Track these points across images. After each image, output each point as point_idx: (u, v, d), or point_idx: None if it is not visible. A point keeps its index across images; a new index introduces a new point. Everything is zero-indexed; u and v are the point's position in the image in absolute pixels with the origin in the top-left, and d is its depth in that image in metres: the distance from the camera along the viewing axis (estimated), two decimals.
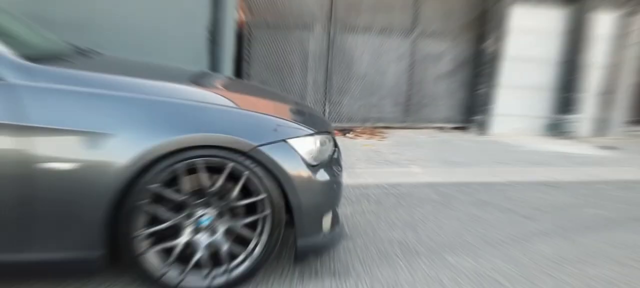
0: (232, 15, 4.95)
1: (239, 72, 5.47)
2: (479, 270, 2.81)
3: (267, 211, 2.34)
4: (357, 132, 6.11)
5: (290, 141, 2.36)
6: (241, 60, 5.53)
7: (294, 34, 5.85)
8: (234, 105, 2.45)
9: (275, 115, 2.51)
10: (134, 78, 2.41)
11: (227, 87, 3.05)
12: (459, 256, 2.98)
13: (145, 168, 2.14)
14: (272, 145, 2.30)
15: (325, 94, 6.14)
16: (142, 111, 2.16)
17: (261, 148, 2.26)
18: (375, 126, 6.42)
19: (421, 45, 6.48)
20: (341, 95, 6.22)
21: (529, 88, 6.88)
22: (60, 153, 2.03)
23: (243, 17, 5.61)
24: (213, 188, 2.27)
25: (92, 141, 2.06)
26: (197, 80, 3.02)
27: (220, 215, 2.34)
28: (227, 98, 2.53)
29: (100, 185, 2.07)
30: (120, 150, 2.08)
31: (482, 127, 6.76)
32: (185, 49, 4.87)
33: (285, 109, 2.75)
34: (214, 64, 5.06)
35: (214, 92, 2.67)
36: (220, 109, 2.37)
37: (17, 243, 2.06)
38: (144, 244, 2.24)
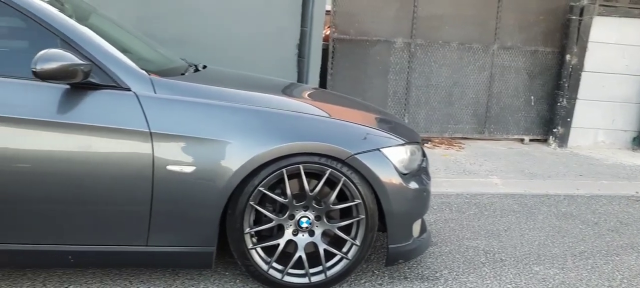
0: (320, 31, 5.18)
1: (323, 84, 5.69)
2: (567, 282, 2.83)
3: (362, 216, 2.50)
4: (435, 142, 6.17)
5: (384, 150, 2.51)
6: (326, 73, 5.76)
7: (375, 48, 6.02)
8: (329, 115, 2.64)
9: (367, 124, 2.68)
10: (242, 90, 2.67)
11: (320, 97, 3.26)
12: (546, 267, 3.01)
13: (254, 172, 2.36)
14: (368, 153, 2.46)
15: (405, 105, 6.25)
16: (252, 120, 2.39)
17: (357, 156, 2.43)
18: (453, 137, 6.44)
19: (501, 58, 6.45)
20: (420, 106, 6.31)
21: (612, 101, 6.66)
22: (180, 157, 2.29)
23: (328, 32, 5.84)
24: (312, 193, 2.46)
25: (209, 147, 2.30)
26: (293, 91, 3.25)
27: (318, 217, 2.53)
28: (321, 108, 2.73)
29: (216, 186, 2.31)
30: (233, 156, 2.32)
31: (562, 139, 6.61)
32: (275, 62, 5.15)
33: (374, 118, 2.91)
34: (301, 77, 5.31)
35: (310, 103, 2.87)
36: (318, 119, 2.57)
37: (141, 236, 2.34)
38: (252, 241, 2.46)
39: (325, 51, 5.65)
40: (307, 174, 2.44)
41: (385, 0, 5.95)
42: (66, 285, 2.45)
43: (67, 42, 2.24)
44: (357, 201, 2.48)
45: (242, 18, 5.11)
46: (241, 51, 5.08)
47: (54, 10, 2.34)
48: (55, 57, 2.09)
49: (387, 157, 2.51)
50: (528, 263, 3.04)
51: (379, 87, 6.14)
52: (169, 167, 2.28)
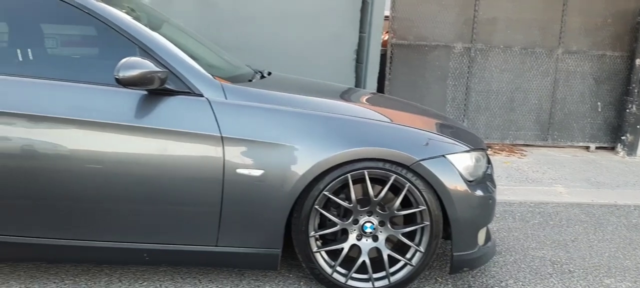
0: (378, 36, 5.20)
1: (381, 89, 5.70)
2: None
3: (426, 222, 2.49)
4: (496, 149, 6.04)
5: (449, 157, 2.50)
6: (383, 78, 5.76)
7: (433, 53, 5.96)
8: (391, 121, 2.64)
9: (430, 130, 2.67)
10: (307, 96, 2.72)
11: (380, 102, 3.28)
12: (617, 280, 2.90)
13: (319, 177, 2.40)
14: (433, 160, 2.46)
15: (464, 110, 6.16)
16: (318, 126, 2.44)
17: (423, 162, 2.43)
18: (514, 144, 6.28)
19: (565, 62, 6.24)
20: (479, 112, 6.19)
21: None
22: (249, 161, 2.36)
23: (386, 37, 5.84)
24: (377, 198, 2.48)
25: (276, 151, 2.36)
26: (354, 96, 3.28)
27: (381, 223, 2.54)
28: (383, 113, 2.74)
29: (282, 190, 2.37)
30: (300, 160, 2.37)
31: (631, 147, 6.30)
32: (332, 67, 5.21)
33: (436, 123, 2.89)
34: (358, 82, 5.34)
35: (372, 108, 2.89)
36: (382, 124, 2.59)
37: (211, 237, 2.43)
38: (317, 244, 2.50)
39: (383, 56, 5.65)
40: (372, 180, 2.46)
41: (444, 5, 5.89)
42: (140, 282, 2.57)
43: (146, 51, 2.37)
44: (422, 207, 2.48)
45: (300, 24, 5.19)
46: (299, 57, 5.16)
47: (133, 21, 2.47)
48: (136, 65, 2.20)
49: (452, 164, 2.49)
50: (598, 276, 2.94)
51: (438, 92, 6.07)
52: (239, 171, 2.35)
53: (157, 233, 2.39)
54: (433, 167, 2.44)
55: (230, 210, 2.38)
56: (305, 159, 2.37)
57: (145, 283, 2.56)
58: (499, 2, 5.99)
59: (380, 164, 2.43)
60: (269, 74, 3.22)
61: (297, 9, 5.15)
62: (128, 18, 2.47)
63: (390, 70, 5.88)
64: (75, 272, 2.61)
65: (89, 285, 2.50)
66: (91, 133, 2.28)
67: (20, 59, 2.61)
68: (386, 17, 5.59)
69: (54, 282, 2.51)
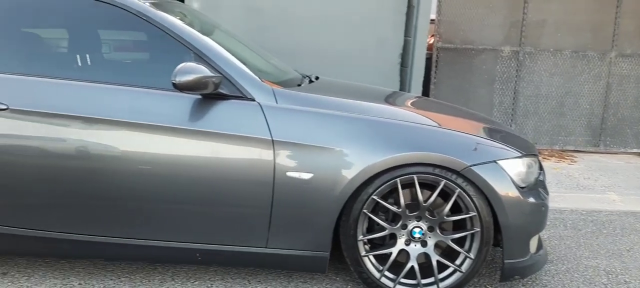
0: (423, 40, 5.17)
1: (426, 93, 5.66)
2: None
3: (477, 229, 2.46)
4: (545, 154, 5.89)
5: (501, 162, 2.46)
6: (428, 82, 5.71)
7: (480, 56, 5.88)
8: (439, 125, 2.62)
9: (480, 135, 2.63)
10: (356, 100, 2.73)
11: (427, 106, 3.25)
12: None
13: (368, 181, 2.41)
14: (484, 165, 2.43)
15: (512, 115, 6.04)
16: (367, 130, 2.45)
17: (474, 168, 2.40)
18: (563, 149, 6.11)
19: (619, 66, 6.03)
20: (528, 117, 6.05)
21: None
22: (299, 164, 2.39)
23: (432, 41, 5.80)
24: (426, 203, 2.46)
25: (326, 155, 2.39)
26: (401, 100, 3.26)
27: (430, 228, 2.53)
28: (431, 118, 2.72)
29: (332, 193, 2.39)
30: (349, 165, 2.38)
31: None
32: (377, 71, 5.21)
33: (484, 128, 2.84)
34: (403, 86, 5.32)
35: (420, 113, 2.87)
36: (432, 129, 2.57)
37: (261, 238, 2.47)
38: (365, 249, 2.51)
39: (428, 60, 5.61)
40: (421, 184, 2.45)
41: (492, 7, 5.80)
42: (192, 281, 2.64)
43: (200, 56, 2.44)
44: (472, 214, 2.45)
45: (345, 29, 5.22)
46: (344, 61, 5.19)
47: (189, 28, 2.55)
48: (192, 70, 2.27)
49: (504, 170, 2.45)
50: None
51: (484, 96, 5.98)
52: (289, 174, 2.39)
53: (209, 234, 2.45)
54: (484, 173, 2.41)
55: (280, 212, 2.42)
56: (354, 163, 2.38)
57: (196, 282, 2.63)
58: (549, 4, 5.85)
59: (430, 169, 2.42)
60: (317, 78, 3.25)
61: (342, 14, 5.18)
62: (184, 25, 2.55)
63: (435, 74, 5.83)
64: (130, 270, 2.70)
65: (143, 283, 2.58)
66: (148, 135, 2.36)
67: (80, 64, 2.73)
68: (432, 20, 5.54)
69: (111, 279, 2.61)
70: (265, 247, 2.48)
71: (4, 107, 2.30)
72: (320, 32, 5.16)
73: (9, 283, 2.50)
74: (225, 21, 4.56)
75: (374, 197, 2.42)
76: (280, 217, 2.43)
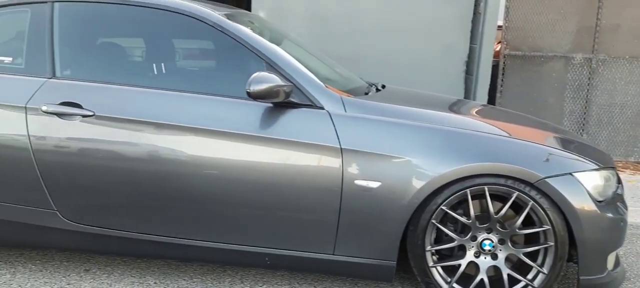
0: (490, 47, 5.06)
1: (492, 101, 5.53)
2: None
3: (550, 243, 2.39)
4: (619, 166, 5.61)
5: (577, 175, 2.38)
6: (494, 90, 5.59)
7: (549, 64, 5.69)
8: (509, 135, 2.56)
9: (553, 146, 2.55)
10: (424, 108, 2.71)
11: (496, 116, 3.18)
12: None
13: (437, 191, 2.39)
14: (559, 177, 2.35)
15: (583, 124, 5.80)
16: (437, 139, 2.43)
17: (548, 180, 2.33)
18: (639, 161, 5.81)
19: None
20: (601, 126, 5.79)
21: None
22: (367, 173, 2.40)
23: (498, 48, 5.67)
24: (497, 215, 2.41)
25: (394, 164, 2.39)
26: (468, 109, 3.21)
27: (501, 241, 2.47)
28: (500, 127, 2.65)
29: (400, 202, 2.39)
30: (417, 174, 2.37)
31: None
32: (441, 79, 5.15)
33: (556, 138, 2.76)
34: (468, 94, 5.23)
35: (489, 122, 2.80)
36: (503, 139, 2.51)
37: (328, 245, 2.49)
38: (433, 259, 2.49)
39: (494, 68, 5.48)
40: (492, 196, 2.41)
41: (563, 13, 5.59)
42: (260, 284, 2.70)
43: (272, 66, 2.50)
44: (546, 227, 2.38)
45: (409, 36, 5.19)
46: (408, 68, 5.16)
47: (261, 38, 2.63)
48: (265, 80, 2.34)
49: (580, 183, 2.37)
50: None
51: (554, 105, 5.77)
52: (357, 182, 2.40)
53: (278, 239, 2.51)
54: (559, 185, 2.34)
55: (347, 220, 2.44)
56: (423, 173, 2.37)
57: (264, 286, 2.69)
58: (624, 9, 5.58)
59: (502, 180, 2.37)
60: (383, 86, 3.25)
61: (407, 22, 5.16)
62: (256, 35, 2.63)
63: (502, 82, 5.68)
64: (202, 271, 2.80)
65: (214, 284, 2.67)
66: (222, 142, 2.44)
67: (159, 73, 2.87)
68: (499, 27, 5.42)
69: (184, 280, 2.71)
70: (332, 254, 2.50)
71: (90, 113, 2.45)
72: (384, 40, 5.16)
73: (91, 280, 2.66)
74: (290, 29, 4.66)
75: (443, 208, 2.40)
76: (347, 225, 2.45)
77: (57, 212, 2.53)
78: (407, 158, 2.38)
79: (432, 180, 2.36)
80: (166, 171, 2.46)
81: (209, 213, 2.50)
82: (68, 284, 2.60)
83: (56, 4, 2.61)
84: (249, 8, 5.13)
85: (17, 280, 2.60)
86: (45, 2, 2.61)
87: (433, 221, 2.42)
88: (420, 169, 2.37)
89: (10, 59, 2.59)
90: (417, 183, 2.37)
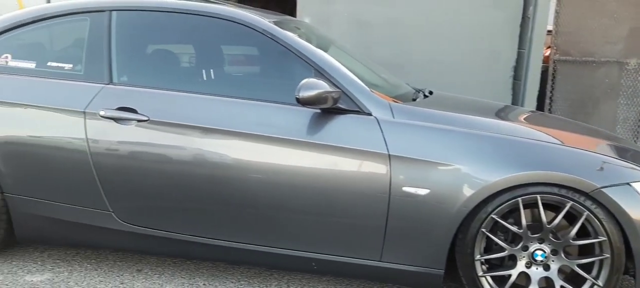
0: (539, 52, 4.95)
1: (540, 107, 5.40)
2: None
3: (606, 254, 2.32)
4: None
5: (635, 185, 2.30)
6: (543, 96, 5.45)
7: (601, 70, 5.50)
8: (562, 142, 2.49)
9: (608, 154, 2.47)
10: (474, 115, 2.68)
11: (546, 122, 3.11)
12: None
13: (487, 199, 2.35)
14: (616, 187, 2.28)
15: (637, 132, 5.58)
16: (487, 146, 2.39)
17: (605, 190, 2.26)
18: None
19: None
20: None
21: None
22: (415, 179, 2.38)
23: (548, 53, 5.53)
24: (550, 225, 2.35)
25: (444, 171, 2.36)
26: (517, 116, 3.14)
27: (554, 251, 2.41)
28: (552, 135, 2.59)
29: (449, 210, 2.36)
30: (467, 181, 2.34)
31: None
32: (487, 84, 5.06)
33: (611, 146, 2.66)
34: (515, 100, 5.12)
35: (540, 129, 2.74)
36: (556, 147, 2.45)
37: (375, 251, 2.49)
38: (482, 269, 2.45)
39: (543, 73, 5.34)
40: (544, 205, 2.35)
41: (616, 17, 5.40)
42: None
43: (320, 72, 2.52)
44: (601, 238, 2.30)
45: (456, 41, 5.13)
46: (454, 73, 5.10)
47: (309, 45, 2.65)
48: (314, 86, 2.36)
49: (638, 192, 2.28)
50: None
51: (606, 112, 5.57)
52: (405, 188, 2.39)
53: (325, 244, 2.52)
54: (616, 196, 2.26)
55: (395, 226, 2.43)
56: (473, 180, 2.34)
57: None
58: None
59: (555, 190, 2.31)
60: (431, 93, 3.23)
61: (453, 26, 5.10)
62: (305, 42, 2.66)
63: (551, 88, 5.53)
64: (249, 274, 2.84)
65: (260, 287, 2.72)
66: (270, 147, 2.47)
67: (209, 79, 2.93)
68: (549, 31, 5.29)
69: (232, 282, 2.76)
70: (379, 261, 2.50)
71: (145, 118, 2.53)
72: (429, 44, 5.12)
73: (143, 280, 2.73)
74: (334, 35, 4.69)
75: (493, 216, 2.36)
76: (395, 232, 2.44)
77: (112, 213, 2.62)
78: (456, 166, 2.35)
79: (482, 188, 2.33)
80: (215, 175, 2.51)
81: (256, 218, 2.54)
82: (121, 283, 2.68)
83: (114, 13, 2.72)
84: (293, 14, 5.19)
85: (74, 278, 2.71)
86: (103, 11, 2.72)
87: (483, 230, 2.39)
88: (470, 177, 2.34)
89: (71, 65, 2.71)
90: (467, 191, 2.34)
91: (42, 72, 2.71)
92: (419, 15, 5.11)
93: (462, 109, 2.98)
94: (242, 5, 3.13)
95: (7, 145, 2.63)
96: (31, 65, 2.74)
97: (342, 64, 2.67)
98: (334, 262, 2.53)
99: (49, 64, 2.73)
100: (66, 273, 2.75)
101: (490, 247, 2.47)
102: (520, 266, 2.43)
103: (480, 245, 2.43)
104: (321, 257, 2.53)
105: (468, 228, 2.40)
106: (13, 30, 2.81)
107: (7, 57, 2.76)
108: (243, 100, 2.57)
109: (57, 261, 2.89)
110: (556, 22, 5.43)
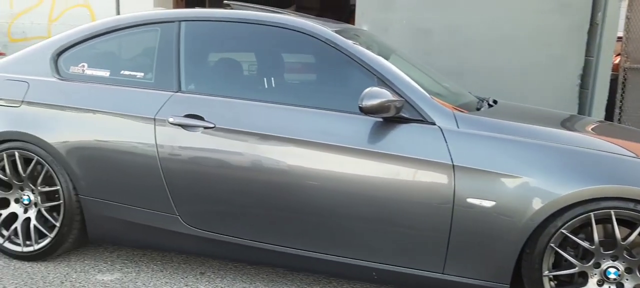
0: (608, 60, 4.74)
1: (609, 117, 5.17)
2: None
3: None
4: None
5: None
6: (613, 106, 5.22)
7: None
8: (636, 155, 2.36)
9: None
10: (542, 126, 2.59)
11: (617, 133, 2.96)
12: None
13: (557, 213, 2.27)
14: None
15: None
16: (557, 158, 2.31)
17: None
18: None
19: None
20: None
21: None
22: (481, 191, 2.33)
23: (617, 60, 5.30)
24: (624, 242, 2.24)
25: (510, 183, 2.30)
26: (586, 126, 3.02)
27: (629, 270, 2.29)
28: (625, 147, 2.46)
29: (515, 224, 2.29)
30: (536, 194, 2.27)
31: None
32: (552, 93, 4.89)
33: None
34: (582, 109, 4.92)
35: (613, 141, 2.62)
36: (630, 160, 2.33)
37: (437, 263, 2.45)
38: (550, 285, 2.36)
39: (612, 82, 5.12)
40: (618, 221, 2.24)
41: None
42: None
43: (383, 81, 2.52)
44: None
45: (519, 48, 5.00)
46: (516, 81, 4.97)
47: (372, 54, 2.65)
48: (377, 95, 2.35)
49: None
50: None
51: None
52: (469, 200, 2.34)
53: (386, 254, 2.50)
54: None
55: (458, 239, 2.38)
56: (542, 193, 2.26)
57: None
58: None
59: (630, 205, 2.20)
60: (495, 102, 3.15)
61: (516, 33, 4.98)
62: (367, 51, 2.66)
63: (621, 97, 5.29)
64: (308, 281, 2.86)
65: None
66: (331, 155, 2.47)
67: (272, 87, 2.99)
68: (619, 38, 5.06)
69: None
70: (442, 273, 2.45)
71: (211, 125, 2.60)
72: (491, 51, 5.01)
73: (207, 282, 2.80)
74: (392, 42, 4.67)
75: (563, 231, 2.28)
76: (458, 244, 2.39)
77: (178, 217, 2.70)
78: (524, 178, 2.29)
79: (551, 202, 2.25)
80: (277, 182, 2.55)
81: (317, 225, 2.55)
82: (186, 285, 2.76)
83: (182, 23, 2.82)
84: (348, 22, 5.21)
85: (141, 279, 2.81)
86: (173, 22, 2.82)
87: (552, 244, 2.30)
88: (538, 189, 2.27)
89: (142, 74, 2.83)
90: (536, 204, 2.26)
91: (115, 80, 2.84)
92: (481, 22, 5.01)
93: (529, 118, 2.89)
94: (300, 13, 3.17)
95: (82, 149, 2.77)
96: (106, 73, 2.87)
97: (404, 72, 2.65)
98: (395, 272, 2.51)
99: (122, 72, 2.86)
100: (134, 274, 2.86)
101: (559, 263, 2.38)
102: (592, 284, 2.33)
103: (548, 261, 2.34)
104: (382, 267, 2.52)
105: (536, 242, 2.32)
106: (89, 41, 2.97)
107: (83, 66, 2.91)
108: (305, 109, 2.60)
109: (126, 261, 3.01)
110: (627, 29, 5.21)
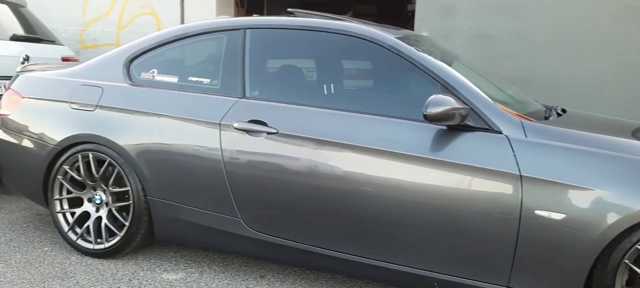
0: None
1: None
2: None
3: None
4: None
5: None
6: None
7: None
8: None
9: None
10: (616, 136, 2.48)
11: None
12: None
13: (632, 228, 2.16)
14: None
15: None
16: (632, 170, 2.20)
17: None
18: None
19: None
20: None
21: None
22: (550, 203, 2.25)
23: None
24: None
25: (582, 196, 2.21)
26: None
27: None
28: None
29: (587, 238, 2.20)
30: (609, 208, 2.17)
31: None
32: (623, 102, 4.67)
33: None
34: None
35: None
36: None
37: (503, 276, 2.38)
38: None
39: None
40: None
41: None
42: None
43: (448, 88, 2.48)
44: None
45: (587, 55, 4.81)
46: (583, 89, 4.79)
47: (435, 60, 2.62)
48: (442, 102, 2.32)
49: None
50: None
51: None
52: (537, 212, 2.27)
53: (449, 265, 2.45)
54: None
55: (525, 251, 2.31)
56: (616, 207, 2.16)
57: None
58: None
59: None
60: (564, 110, 3.04)
61: (584, 40, 4.80)
62: (431, 57, 2.63)
63: None
64: None
65: None
66: (393, 163, 2.46)
67: (332, 94, 3.00)
68: None
69: None
70: (507, 286, 2.38)
71: (274, 130, 2.64)
72: (557, 58, 4.85)
73: (266, 285, 2.84)
74: (453, 49, 4.60)
75: (639, 247, 2.16)
76: (525, 257, 2.32)
77: (241, 220, 2.76)
78: (597, 190, 2.19)
79: (627, 216, 2.14)
80: (338, 188, 2.56)
81: (377, 233, 2.54)
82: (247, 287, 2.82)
83: (248, 31, 2.89)
84: (409, 28, 5.16)
85: (204, 279, 2.89)
86: (239, 30, 2.90)
87: (626, 261, 2.19)
88: (612, 203, 2.17)
89: (208, 80, 2.92)
90: (609, 219, 2.16)
91: (183, 86, 2.94)
92: (547, 29, 4.86)
93: (601, 128, 2.77)
94: (360, 20, 3.17)
95: (151, 152, 2.88)
96: (174, 79, 2.98)
97: (468, 79, 2.60)
98: (457, 283, 2.46)
99: (189, 78, 2.95)
100: (197, 274, 2.94)
101: (633, 280, 2.26)
102: None
103: (622, 278, 2.23)
104: (444, 278, 2.47)
105: (608, 258, 2.22)
106: (159, 48, 3.08)
107: (153, 72, 3.03)
108: (367, 116, 2.60)
109: (189, 262, 3.10)
110: None
